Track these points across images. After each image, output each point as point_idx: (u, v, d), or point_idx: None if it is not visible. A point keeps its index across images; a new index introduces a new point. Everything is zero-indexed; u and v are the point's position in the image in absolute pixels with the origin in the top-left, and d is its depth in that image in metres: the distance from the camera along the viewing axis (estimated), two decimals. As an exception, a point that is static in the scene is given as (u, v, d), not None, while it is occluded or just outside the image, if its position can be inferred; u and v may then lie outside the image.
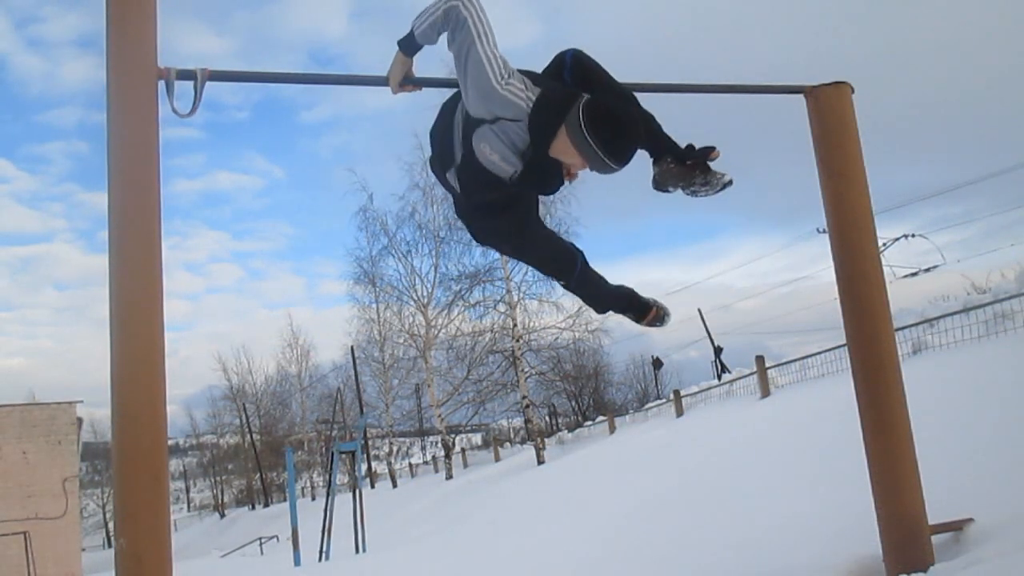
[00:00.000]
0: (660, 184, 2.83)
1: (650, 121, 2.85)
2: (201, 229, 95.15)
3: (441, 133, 2.83)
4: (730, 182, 2.73)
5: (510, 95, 2.54)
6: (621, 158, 2.54)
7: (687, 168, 2.75)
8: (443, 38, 2.68)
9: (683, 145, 2.86)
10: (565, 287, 3.24)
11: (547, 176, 2.65)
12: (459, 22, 2.54)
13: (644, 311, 3.24)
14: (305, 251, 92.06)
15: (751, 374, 14.57)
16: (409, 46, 2.70)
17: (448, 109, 2.82)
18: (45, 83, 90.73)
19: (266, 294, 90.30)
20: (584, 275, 3.17)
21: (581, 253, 3.13)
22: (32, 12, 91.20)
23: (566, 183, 2.83)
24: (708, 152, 2.78)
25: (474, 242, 3.39)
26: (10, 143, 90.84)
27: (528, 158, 2.59)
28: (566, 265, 3.13)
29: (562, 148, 2.55)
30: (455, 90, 2.76)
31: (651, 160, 2.88)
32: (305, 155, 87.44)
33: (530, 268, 3.42)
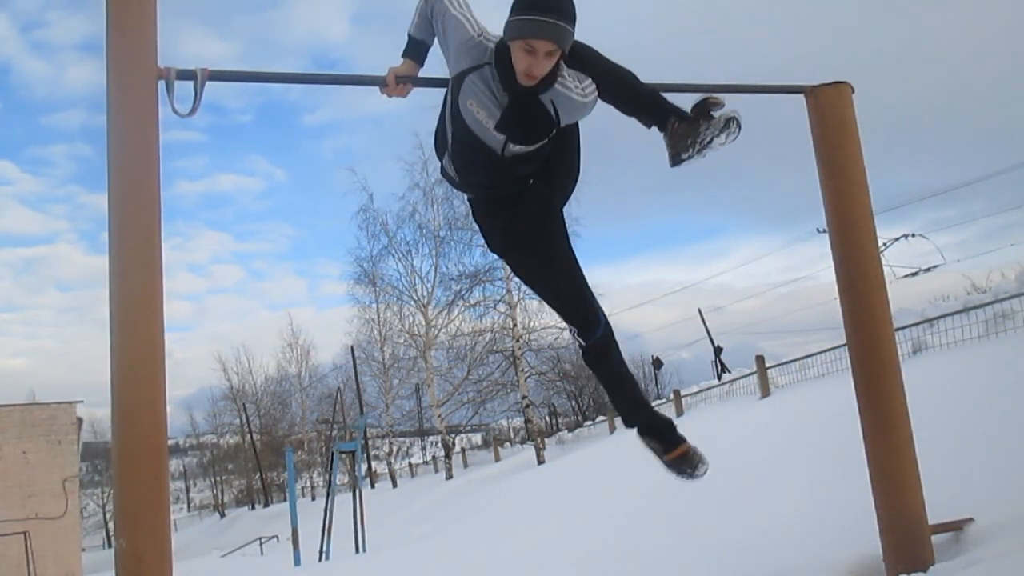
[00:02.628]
0: (674, 152, 2.72)
1: (654, 94, 2.80)
2: (203, 230, 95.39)
3: (439, 125, 2.89)
4: (733, 118, 2.61)
5: (486, 41, 2.65)
6: (541, 5, 2.48)
7: (692, 121, 2.67)
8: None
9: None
10: (585, 354, 2.92)
11: (528, 117, 2.64)
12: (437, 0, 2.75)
13: (676, 444, 2.91)
14: (307, 252, 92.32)
15: (751, 374, 14.57)
16: (409, 48, 2.81)
17: (443, 102, 2.85)
18: (49, 87, 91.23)
19: (268, 295, 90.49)
20: (610, 349, 2.90)
21: (607, 321, 2.90)
22: (36, 17, 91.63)
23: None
24: (708, 99, 2.70)
25: (487, 249, 3.23)
26: (14, 145, 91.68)
27: (504, 103, 2.61)
28: (588, 317, 2.86)
29: (513, 57, 2.55)
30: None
31: (662, 135, 2.79)
32: (307, 157, 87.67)
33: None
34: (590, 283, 2.95)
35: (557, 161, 2.88)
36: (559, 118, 2.69)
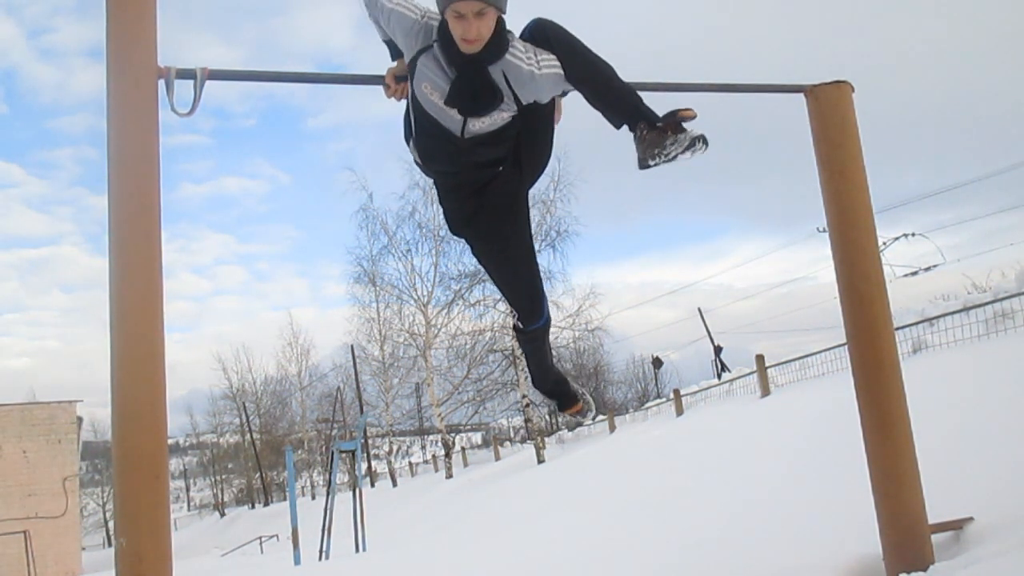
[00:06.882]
0: (642, 157, 2.70)
1: (629, 92, 2.75)
2: (207, 232, 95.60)
3: (405, 112, 2.89)
4: (700, 137, 2.58)
5: (431, 21, 2.65)
6: None
7: (660, 131, 2.63)
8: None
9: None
10: (518, 332, 3.21)
11: (475, 87, 2.62)
12: None
13: (571, 402, 3.39)
14: (309, 254, 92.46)
15: (751, 373, 14.57)
16: (392, 52, 2.85)
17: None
18: (56, 91, 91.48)
19: (271, 296, 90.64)
20: (542, 337, 3.22)
21: (549, 316, 3.20)
22: (44, 23, 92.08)
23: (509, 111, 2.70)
24: (679, 111, 2.66)
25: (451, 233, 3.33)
26: (20, 148, 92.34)
27: (452, 76, 2.61)
28: (534, 309, 3.09)
29: (451, 29, 2.54)
30: None
31: (632, 135, 2.74)
32: (310, 161, 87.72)
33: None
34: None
35: (528, 146, 2.86)
36: (513, 89, 2.65)
